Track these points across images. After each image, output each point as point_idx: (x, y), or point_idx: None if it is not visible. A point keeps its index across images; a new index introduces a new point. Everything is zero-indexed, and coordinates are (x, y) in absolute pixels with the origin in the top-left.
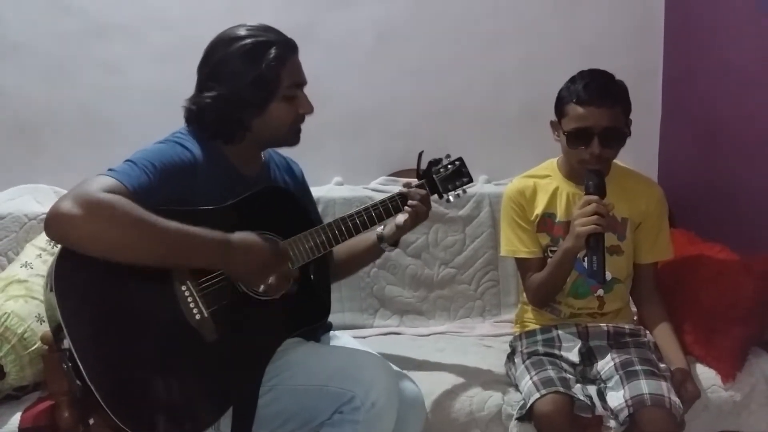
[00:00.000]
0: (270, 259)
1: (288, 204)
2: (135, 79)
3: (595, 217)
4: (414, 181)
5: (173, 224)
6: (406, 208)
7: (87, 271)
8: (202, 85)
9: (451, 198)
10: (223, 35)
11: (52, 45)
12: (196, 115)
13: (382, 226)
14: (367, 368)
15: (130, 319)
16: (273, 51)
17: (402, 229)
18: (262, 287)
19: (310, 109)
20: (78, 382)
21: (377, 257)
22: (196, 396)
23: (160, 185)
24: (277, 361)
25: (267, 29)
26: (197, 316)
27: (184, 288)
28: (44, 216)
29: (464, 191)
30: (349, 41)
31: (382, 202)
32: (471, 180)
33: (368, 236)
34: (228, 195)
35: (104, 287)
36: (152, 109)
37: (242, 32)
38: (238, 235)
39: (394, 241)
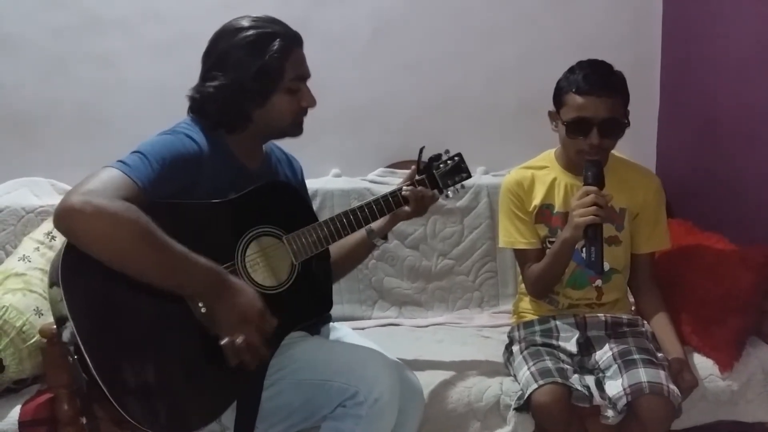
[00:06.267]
0: (254, 317)
1: (291, 198)
2: (130, 73)
3: (594, 207)
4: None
5: (179, 247)
6: (416, 188)
7: (93, 265)
8: (205, 75)
9: (450, 193)
10: (227, 26)
11: (47, 39)
12: (199, 104)
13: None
14: (372, 365)
15: (136, 312)
16: (277, 43)
17: (397, 217)
18: (226, 340)
19: (312, 103)
20: (84, 375)
21: (369, 253)
22: (200, 389)
23: (168, 178)
24: (281, 355)
25: (272, 21)
26: (202, 309)
27: None
28: (41, 209)
29: (462, 186)
30: (345, 35)
31: (384, 197)
32: (469, 175)
33: (357, 233)
34: (231, 187)
35: (111, 281)
36: (147, 103)
37: (247, 23)
38: (237, 280)
39: (384, 233)
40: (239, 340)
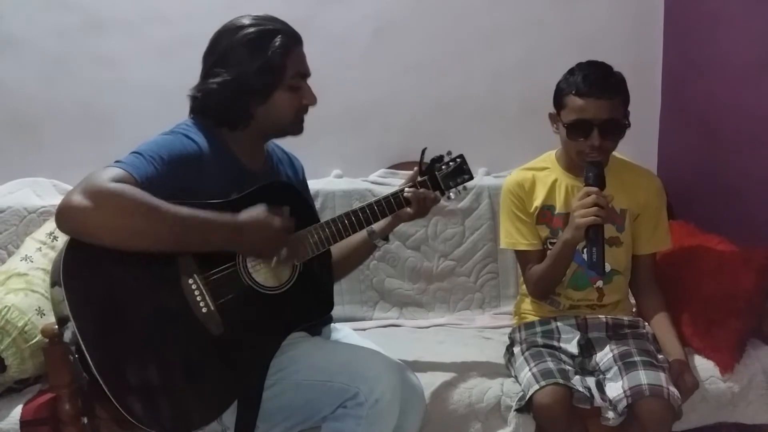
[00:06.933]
0: (278, 232)
1: (293, 199)
2: (133, 73)
3: (595, 208)
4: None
5: (184, 209)
6: (418, 190)
7: (94, 264)
8: (207, 73)
9: (452, 195)
10: (229, 24)
11: (50, 40)
12: (201, 103)
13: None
14: (373, 365)
15: (138, 312)
16: (278, 39)
17: (398, 218)
18: (275, 261)
19: (313, 101)
20: (84, 374)
21: (370, 254)
22: (201, 389)
23: (167, 177)
24: (282, 356)
25: (272, 19)
26: (204, 309)
27: (191, 281)
28: (44, 209)
29: (465, 188)
30: (347, 35)
31: (386, 198)
32: (471, 177)
33: (358, 234)
34: (232, 187)
35: (112, 280)
36: (150, 104)
37: (248, 21)
38: (246, 213)
39: (385, 234)
40: (283, 254)
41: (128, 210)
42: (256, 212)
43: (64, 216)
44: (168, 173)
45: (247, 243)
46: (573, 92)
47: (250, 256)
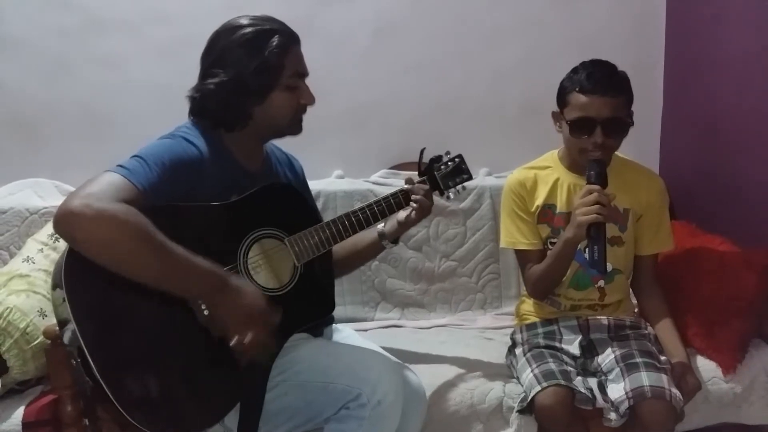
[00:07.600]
0: (258, 314)
1: (293, 200)
2: (134, 74)
3: (597, 206)
4: (415, 175)
5: (179, 249)
6: (411, 204)
7: (96, 267)
8: (205, 73)
9: (451, 195)
10: (226, 25)
11: (52, 40)
12: (199, 104)
13: (382, 223)
14: (375, 367)
15: (139, 316)
16: (276, 39)
17: (405, 225)
18: (235, 339)
19: (311, 100)
20: (87, 378)
21: (378, 254)
22: (203, 391)
23: (168, 182)
24: (284, 357)
25: (270, 19)
26: (205, 312)
27: None
28: (45, 210)
29: (464, 188)
30: (347, 36)
31: (386, 198)
32: (471, 177)
33: (369, 233)
34: (232, 190)
35: (113, 283)
36: (151, 105)
37: (245, 21)
38: (237, 280)
39: (395, 238)
40: (247, 339)
41: (126, 235)
42: (251, 287)
43: (62, 221)
44: (170, 178)
45: (221, 303)
46: (577, 89)
47: (216, 318)
